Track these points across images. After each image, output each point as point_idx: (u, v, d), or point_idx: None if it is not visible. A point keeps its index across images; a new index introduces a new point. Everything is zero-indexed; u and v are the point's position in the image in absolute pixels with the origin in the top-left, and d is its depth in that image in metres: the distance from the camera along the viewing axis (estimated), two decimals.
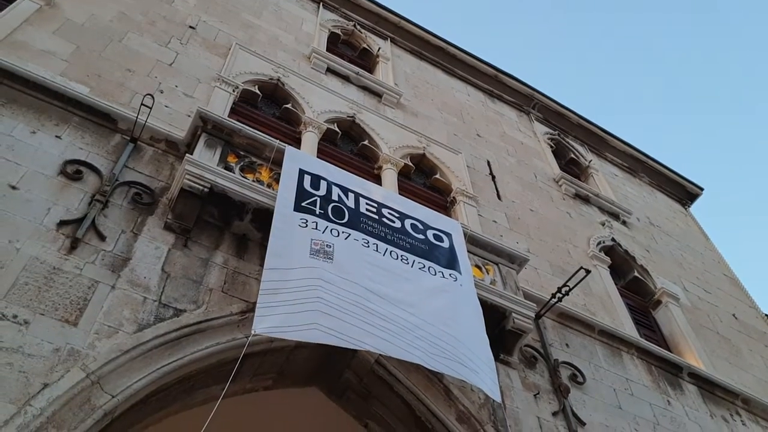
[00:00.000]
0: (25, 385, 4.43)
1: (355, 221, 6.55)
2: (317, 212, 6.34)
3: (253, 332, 5.00)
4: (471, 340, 6.11)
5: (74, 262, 5.34)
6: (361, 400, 6.40)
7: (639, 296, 11.15)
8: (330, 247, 6.01)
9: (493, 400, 6.52)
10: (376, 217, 6.84)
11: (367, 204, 6.93)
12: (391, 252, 6.48)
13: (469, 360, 5.90)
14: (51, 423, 4.34)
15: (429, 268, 6.63)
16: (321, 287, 5.55)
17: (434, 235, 7.18)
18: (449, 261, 6.90)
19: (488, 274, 7.69)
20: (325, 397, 6.62)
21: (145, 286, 5.53)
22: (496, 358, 7.11)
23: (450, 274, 6.69)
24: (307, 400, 6.93)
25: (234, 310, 5.73)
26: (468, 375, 5.80)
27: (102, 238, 5.66)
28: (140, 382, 4.87)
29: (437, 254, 6.90)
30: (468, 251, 7.45)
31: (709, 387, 9.17)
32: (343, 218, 6.47)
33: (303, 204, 6.35)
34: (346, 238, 6.23)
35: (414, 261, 6.57)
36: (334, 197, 6.70)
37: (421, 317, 5.93)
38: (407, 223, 7.10)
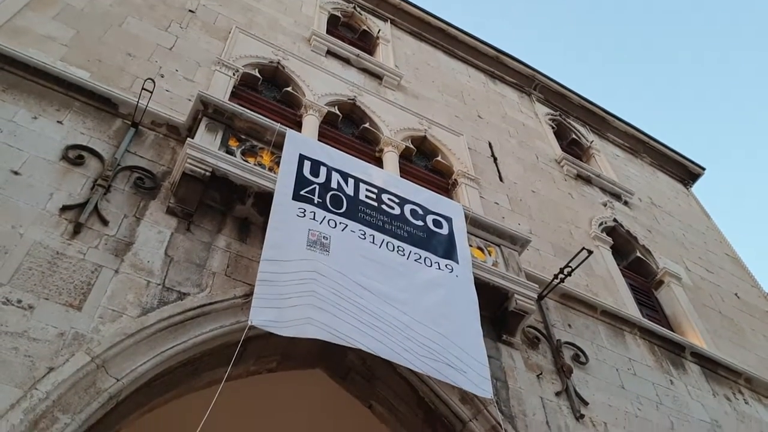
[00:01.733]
0: (31, 369, 4.46)
1: (353, 211, 6.56)
2: (316, 201, 6.36)
3: (249, 323, 5.09)
4: (462, 337, 6.17)
5: (77, 247, 5.36)
6: (364, 381, 6.43)
7: (641, 276, 11.17)
8: (327, 239, 6.05)
9: (496, 381, 6.57)
10: (375, 204, 6.85)
11: (366, 190, 6.94)
12: (387, 243, 6.50)
13: (457, 359, 5.95)
14: (56, 406, 4.38)
15: (425, 259, 6.64)
16: (316, 281, 5.64)
17: (434, 221, 7.19)
18: (447, 250, 6.91)
19: (490, 255, 7.70)
20: (329, 378, 6.64)
21: (149, 270, 5.55)
22: (499, 339, 7.16)
23: (446, 265, 6.71)
24: (312, 382, 6.95)
25: (237, 293, 5.76)
26: (454, 376, 5.86)
27: (105, 222, 5.67)
28: (145, 365, 4.90)
29: (435, 243, 6.91)
30: (470, 233, 7.47)
31: (711, 366, 9.20)
32: (341, 207, 6.49)
33: (302, 192, 6.37)
34: (342, 230, 6.26)
35: (410, 252, 6.60)
36: (333, 184, 6.71)
37: (412, 316, 5.98)
38: (407, 209, 7.11)
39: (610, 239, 11.07)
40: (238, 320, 5.49)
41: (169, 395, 5.44)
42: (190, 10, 9.57)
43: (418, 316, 6.04)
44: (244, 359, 5.70)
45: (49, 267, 5.10)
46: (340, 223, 6.33)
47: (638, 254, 11.34)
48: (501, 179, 10.63)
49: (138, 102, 6.61)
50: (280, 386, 7.33)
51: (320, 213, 6.28)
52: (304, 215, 6.16)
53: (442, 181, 9.85)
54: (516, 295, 7.19)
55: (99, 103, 6.77)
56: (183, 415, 5.39)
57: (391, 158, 9.25)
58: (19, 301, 4.76)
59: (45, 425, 4.27)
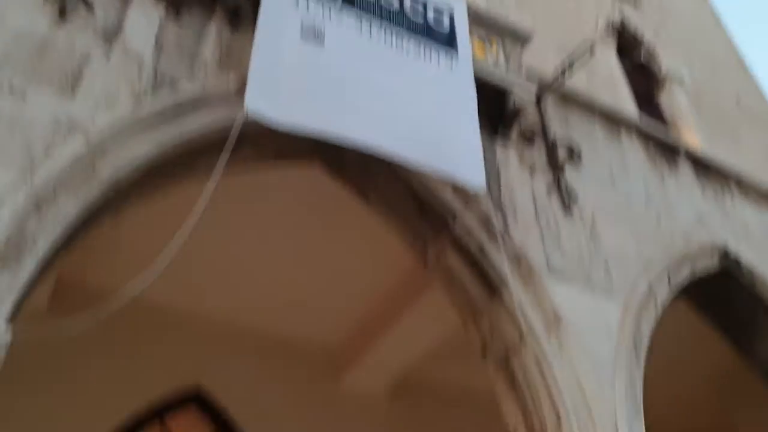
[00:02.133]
0: (29, 153, 4.48)
1: (349, 2, 6.28)
2: None
3: (246, 113, 5.07)
4: (458, 132, 6.15)
5: (65, 33, 5.19)
6: (361, 173, 6.52)
7: (644, 78, 11.00)
8: (321, 30, 5.85)
9: (489, 176, 6.62)
10: None
11: None
12: (385, 37, 6.29)
13: (453, 152, 5.98)
14: (57, 189, 4.46)
15: (424, 54, 6.46)
16: (310, 73, 5.53)
17: (434, 14, 6.90)
18: (447, 45, 6.71)
19: (491, 51, 7.51)
20: (328, 172, 6.72)
21: (140, 59, 5.42)
22: (495, 135, 7.16)
23: (446, 60, 6.54)
24: (310, 176, 7.03)
25: (231, 83, 5.68)
26: (448, 169, 5.91)
27: (90, 7, 5.45)
28: (141, 150, 4.94)
29: (435, 38, 6.69)
30: (471, 27, 7.23)
31: (704, 167, 9.28)
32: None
33: None
34: (338, 22, 6.04)
35: (409, 47, 6.41)
36: None
37: (408, 111, 5.94)
38: (406, 2, 6.81)
39: (615, 40, 10.78)
40: (232, 109, 5.43)
41: (167, 181, 5.53)
42: None
43: (415, 111, 6.01)
44: (240, 150, 5.71)
45: (37, 54, 4.96)
46: (336, 14, 6.10)
47: (643, 56, 11.12)
48: None
49: None
50: (279, 179, 7.42)
51: (314, 3, 6.04)
52: (297, 5, 5.93)
53: None
54: (515, 92, 7.12)
55: None
56: (184, 202, 5.48)
57: None
58: (11, 88, 4.69)
59: (47, 206, 4.38)
